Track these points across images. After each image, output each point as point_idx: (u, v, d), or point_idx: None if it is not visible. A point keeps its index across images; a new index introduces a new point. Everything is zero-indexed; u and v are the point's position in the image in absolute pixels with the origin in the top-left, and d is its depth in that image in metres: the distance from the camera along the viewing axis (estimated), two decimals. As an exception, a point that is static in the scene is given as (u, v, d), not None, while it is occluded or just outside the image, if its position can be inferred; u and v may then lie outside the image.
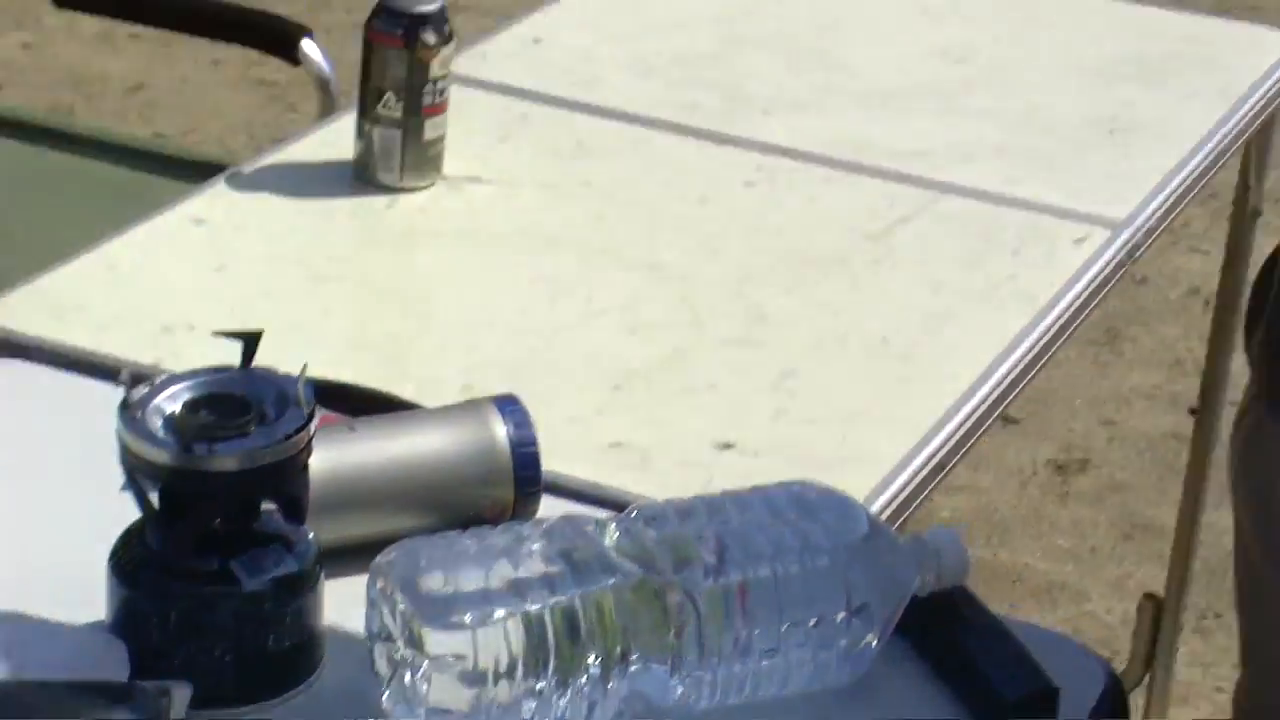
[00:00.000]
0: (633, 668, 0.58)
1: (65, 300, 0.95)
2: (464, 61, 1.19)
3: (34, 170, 1.58)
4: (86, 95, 2.81)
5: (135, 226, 1.03)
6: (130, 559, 0.60)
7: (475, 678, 0.56)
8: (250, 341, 0.62)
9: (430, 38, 1.02)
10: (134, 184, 1.55)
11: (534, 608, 0.56)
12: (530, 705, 0.57)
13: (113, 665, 0.58)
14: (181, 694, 0.56)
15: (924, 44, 1.41)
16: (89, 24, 2.75)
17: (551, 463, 0.71)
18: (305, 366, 0.61)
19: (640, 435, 0.86)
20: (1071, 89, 1.35)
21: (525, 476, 0.70)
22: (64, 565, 0.64)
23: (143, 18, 1.88)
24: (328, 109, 1.47)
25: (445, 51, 1.04)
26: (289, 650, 0.61)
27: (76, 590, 0.61)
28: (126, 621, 0.59)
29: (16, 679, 0.57)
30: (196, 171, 1.40)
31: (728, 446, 0.85)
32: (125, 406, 0.59)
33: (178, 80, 2.88)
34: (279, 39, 1.57)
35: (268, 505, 0.61)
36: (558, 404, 0.83)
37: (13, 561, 0.66)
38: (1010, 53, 1.42)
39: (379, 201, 1.07)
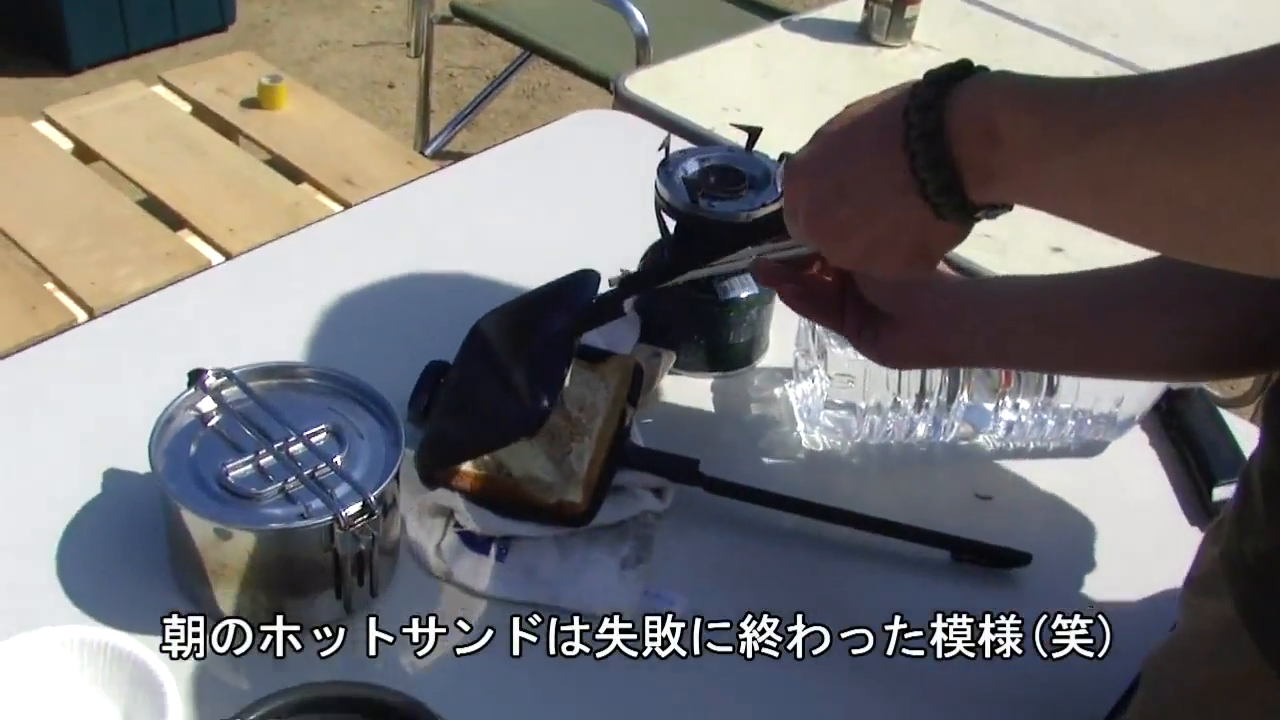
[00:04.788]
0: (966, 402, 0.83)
1: (669, 82, 1.43)
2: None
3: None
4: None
5: (718, 44, 1.55)
6: (646, 263, 0.89)
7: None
8: (753, 133, 0.86)
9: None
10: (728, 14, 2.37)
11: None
12: (893, 416, 0.83)
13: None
14: (669, 357, 0.87)
15: None
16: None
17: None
18: (783, 156, 0.79)
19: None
20: None
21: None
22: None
23: None
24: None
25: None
26: (743, 344, 0.90)
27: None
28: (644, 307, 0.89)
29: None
30: (765, 12, 2.24)
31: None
32: (662, 165, 0.86)
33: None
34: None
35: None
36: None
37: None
38: None
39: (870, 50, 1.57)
